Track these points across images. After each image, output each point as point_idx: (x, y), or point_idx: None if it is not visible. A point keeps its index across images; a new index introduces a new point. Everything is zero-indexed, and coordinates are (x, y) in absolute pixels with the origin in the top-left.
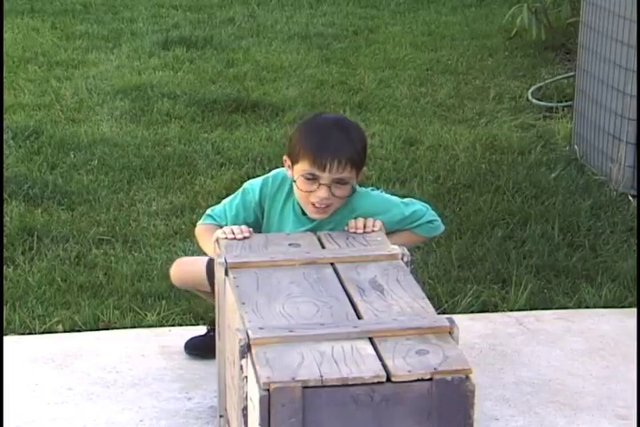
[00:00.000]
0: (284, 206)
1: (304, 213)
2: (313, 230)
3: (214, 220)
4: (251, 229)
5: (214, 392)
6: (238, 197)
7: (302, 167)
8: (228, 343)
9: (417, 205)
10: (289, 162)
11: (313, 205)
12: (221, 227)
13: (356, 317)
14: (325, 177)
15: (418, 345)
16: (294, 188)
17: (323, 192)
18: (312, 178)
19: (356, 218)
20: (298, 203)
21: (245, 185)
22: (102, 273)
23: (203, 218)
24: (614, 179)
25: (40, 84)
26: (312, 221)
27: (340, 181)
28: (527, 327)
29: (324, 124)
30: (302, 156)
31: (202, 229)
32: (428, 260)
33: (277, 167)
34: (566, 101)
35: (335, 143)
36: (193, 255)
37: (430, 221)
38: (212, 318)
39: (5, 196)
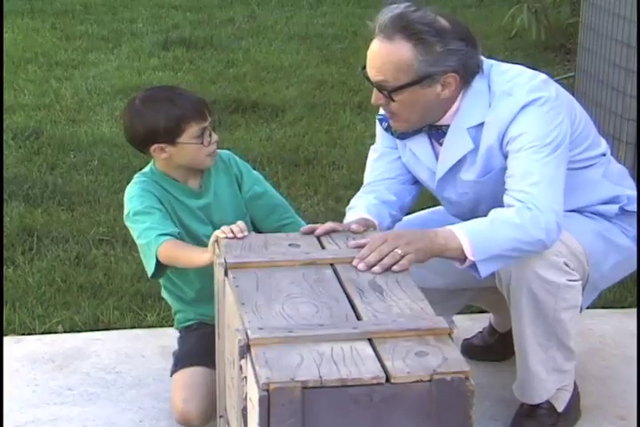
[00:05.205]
0: (171, 195)
1: (188, 189)
2: (213, 199)
3: (162, 233)
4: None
5: None
6: (143, 213)
7: (191, 131)
8: (227, 344)
9: None
10: (161, 145)
11: (210, 154)
12: (174, 236)
13: (355, 318)
14: (208, 123)
15: (417, 347)
16: (188, 155)
17: (215, 136)
18: (204, 131)
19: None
20: (178, 186)
21: (132, 206)
22: (102, 273)
23: (149, 242)
24: None
25: (40, 84)
26: (202, 192)
27: (212, 124)
28: None
29: (161, 95)
30: (183, 124)
31: (167, 249)
32: None
33: (277, 167)
34: None
35: (185, 98)
36: None
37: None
38: None
39: (5, 196)
